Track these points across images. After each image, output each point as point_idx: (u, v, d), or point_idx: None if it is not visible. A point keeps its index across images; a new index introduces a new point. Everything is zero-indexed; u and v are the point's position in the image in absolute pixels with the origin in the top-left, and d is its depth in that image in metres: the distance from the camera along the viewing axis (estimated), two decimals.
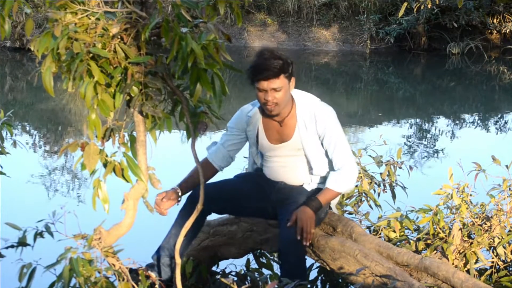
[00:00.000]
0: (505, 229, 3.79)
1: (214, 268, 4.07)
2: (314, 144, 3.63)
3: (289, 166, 3.72)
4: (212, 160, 3.75)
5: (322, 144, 3.64)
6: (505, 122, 10.38)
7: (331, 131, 3.60)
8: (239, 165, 4.43)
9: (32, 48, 2.39)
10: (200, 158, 2.63)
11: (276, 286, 3.01)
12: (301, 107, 3.64)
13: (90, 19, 2.39)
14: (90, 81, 2.38)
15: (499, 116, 10.94)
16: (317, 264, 3.98)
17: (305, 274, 3.59)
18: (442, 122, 10.26)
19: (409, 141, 8.77)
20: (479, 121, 10.48)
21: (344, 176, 3.59)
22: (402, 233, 3.99)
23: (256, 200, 3.75)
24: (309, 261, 3.77)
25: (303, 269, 3.55)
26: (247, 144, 3.88)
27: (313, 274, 4.08)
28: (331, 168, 3.68)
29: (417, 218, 4.05)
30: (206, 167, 3.70)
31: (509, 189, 3.90)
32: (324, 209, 3.71)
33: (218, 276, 3.95)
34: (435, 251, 3.73)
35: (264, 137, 3.70)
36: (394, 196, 4.31)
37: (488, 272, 3.81)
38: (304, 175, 3.71)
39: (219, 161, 3.76)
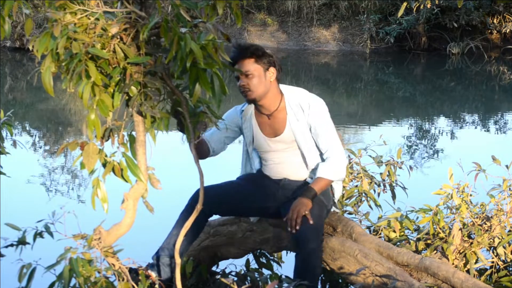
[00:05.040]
0: (505, 229, 3.79)
1: (214, 268, 4.07)
2: (306, 135, 3.66)
3: (286, 162, 3.73)
4: (207, 139, 3.74)
5: (312, 134, 3.67)
6: (505, 122, 10.38)
7: (319, 119, 3.64)
8: (239, 165, 4.43)
9: (31, 48, 2.39)
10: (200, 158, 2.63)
11: (276, 286, 3.02)
12: (290, 100, 3.68)
13: (89, 19, 2.39)
14: (88, 82, 2.38)
15: (499, 116, 10.95)
16: None
17: (319, 269, 3.56)
18: (442, 122, 10.26)
19: (409, 141, 8.77)
20: (479, 121, 10.48)
21: (333, 165, 3.61)
22: (402, 233, 3.99)
23: (261, 200, 3.75)
24: None
25: (319, 260, 3.53)
26: (240, 150, 3.90)
27: None
28: (322, 159, 3.71)
29: (417, 218, 4.05)
30: (202, 145, 3.69)
31: (509, 189, 3.89)
32: (331, 200, 3.71)
33: (218, 276, 3.95)
34: (435, 251, 3.72)
35: (259, 131, 3.73)
36: (394, 196, 4.31)
37: (488, 272, 3.81)
38: (303, 170, 3.72)
39: (214, 143, 3.75)
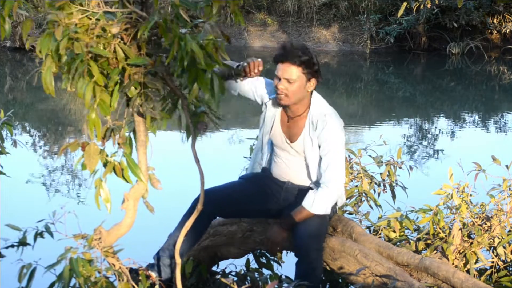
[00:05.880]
0: (505, 229, 3.79)
1: (214, 268, 4.07)
2: (315, 151, 3.61)
3: (294, 165, 3.70)
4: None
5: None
6: (505, 122, 10.38)
7: (331, 144, 3.56)
8: (239, 165, 4.44)
9: (27, 48, 2.38)
10: (200, 159, 2.63)
11: (276, 286, 3.02)
12: (313, 113, 3.60)
13: (90, 19, 2.39)
14: (90, 81, 2.38)
15: (499, 116, 10.95)
16: None
17: (320, 272, 3.58)
18: (442, 122, 10.27)
19: (409, 141, 8.77)
20: (479, 121, 10.49)
21: (322, 198, 3.53)
22: (402, 233, 3.99)
23: (264, 202, 3.73)
24: None
25: (320, 267, 3.55)
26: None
27: None
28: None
29: (417, 218, 4.05)
30: None
31: (509, 189, 3.89)
32: (333, 207, 3.70)
33: (218, 276, 3.95)
34: (435, 251, 3.73)
35: (279, 126, 3.68)
36: (394, 196, 4.31)
37: (488, 272, 3.81)
38: (307, 178, 3.70)
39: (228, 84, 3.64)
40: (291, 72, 3.48)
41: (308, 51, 3.53)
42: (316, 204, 3.52)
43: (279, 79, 3.51)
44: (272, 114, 3.69)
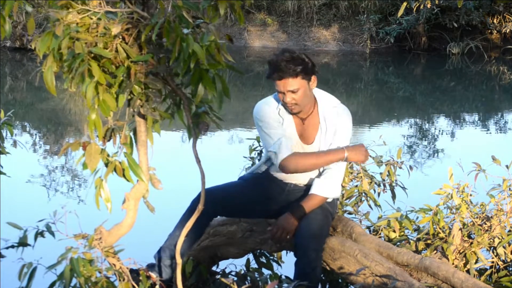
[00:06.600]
0: (505, 229, 3.79)
1: (214, 268, 4.07)
2: (329, 145, 3.63)
3: None
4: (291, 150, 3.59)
5: None
6: (505, 122, 10.39)
7: (340, 133, 3.61)
8: (239, 165, 4.44)
9: (33, 48, 2.39)
10: (201, 159, 2.63)
11: (276, 286, 3.02)
12: (323, 108, 3.63)
13: (91, 19, 2.39)
14: (91, 81, 2.38)
15: (499, 116, 10.95)
16: None
17: (319, 272, 3.58)
18: (442, 122, 10.27)
19: (409, 141, 8.77)
20: (479, 121, 10.49)
21: (330, 182, 3.59)
22: (402, 233, 4.00)
23: (263, 203, 3.73)
24: None
25: (319, 266, 3.55)
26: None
27: None
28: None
29: (417, 218, 4.05)
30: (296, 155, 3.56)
31: (509, 189, 3.90)
32: (336, 206, 3.71)
33: (218, 276, 3.95)
34: (435, 251, 3.73)
35: (295, 132, 3.66)
36: (394, 196, 4.31)
37: (488, 272, 3.81)
38: (314, 177, 3.70)
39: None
40: (292, 84, 3.48)
41: (299, 58, 3.49)
42: (326, 188, 3.57)
43: (284, 93, 3.50)
44: (287, 123, 3.67)
